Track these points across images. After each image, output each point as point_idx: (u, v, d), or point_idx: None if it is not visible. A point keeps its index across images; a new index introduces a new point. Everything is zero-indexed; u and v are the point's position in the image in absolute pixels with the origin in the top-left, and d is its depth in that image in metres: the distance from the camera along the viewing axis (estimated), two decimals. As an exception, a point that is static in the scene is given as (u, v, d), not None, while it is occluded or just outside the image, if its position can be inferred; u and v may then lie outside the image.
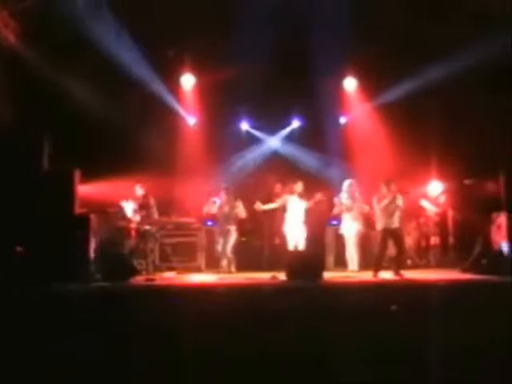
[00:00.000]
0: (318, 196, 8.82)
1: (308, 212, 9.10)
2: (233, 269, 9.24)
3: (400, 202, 8.00)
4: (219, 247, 9.24)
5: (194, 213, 10.00)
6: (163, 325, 4.87)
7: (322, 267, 7.43)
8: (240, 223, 9.50)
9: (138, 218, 8.78)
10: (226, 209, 9.16)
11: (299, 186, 8.90)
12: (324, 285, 6.93)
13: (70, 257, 6.87)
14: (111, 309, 5.30)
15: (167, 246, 9.64)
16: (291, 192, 8.90)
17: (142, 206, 8.91)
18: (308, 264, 7.24)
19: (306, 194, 9.09)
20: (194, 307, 5.45)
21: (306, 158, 11.16)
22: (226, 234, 9.11)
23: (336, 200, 9.20)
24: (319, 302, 5.61)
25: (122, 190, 8.95)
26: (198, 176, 10.34)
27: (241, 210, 9.17)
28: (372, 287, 6.86)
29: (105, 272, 7.12)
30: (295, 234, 8.82)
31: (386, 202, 7.84)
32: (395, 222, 7.93)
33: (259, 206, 9.12)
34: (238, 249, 9.60)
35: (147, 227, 9.01)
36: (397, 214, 7.92)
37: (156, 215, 9.04)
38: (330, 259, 9.84)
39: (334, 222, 9.79)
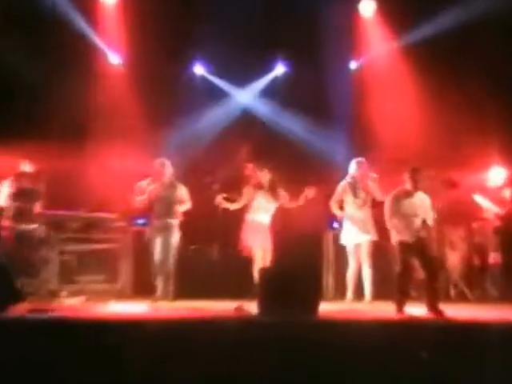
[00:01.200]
0: (309, 192, 8.49)
1: (295, 213, 8.98)
2: (170, 294, 8.74)
3: (426, 202, 7.74)
4: (156, 256, 8.65)
5: (116, 205, 9.73)
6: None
7: (315, 294, 7.19)
8: (187, 223, 9.00)
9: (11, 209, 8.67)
10: (167, 194, 8.65)
11: (266, 176, 8.62)
12: (319, 323, 6.61)
13: None
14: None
15: (71, 256, 9.24)
16: (259, 185, 8.60)
17: (25, 191, 8.66)
18: (293, 289, 6.99)
19: (290, 186, 8.83)
20: (110, 360, 5.42)
21: (293, 124, 11.02)
22: (165, 235, 8.60)
23: (339, 189, 8.91)
24: (312, 356, 5.39)
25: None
26: (126, 148, 10.23)
27: (184, 197, 8.75)
28: (393, 329, 6.52)
29: None
30: (262, 245, 8.51)
31: (403, 201, 7.58)
32: (419, 231, 7.70)
33: (222, 203, 8.66)
34: (185, 263, 9.20)
35: (31, 226, 8.69)
36: (421, 218, 7.67)
37: (38, 207, 8.81)
38: (329, 281, 9.69)
39: (336, 226, 9.49)
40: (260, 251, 8.55)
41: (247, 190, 8.60)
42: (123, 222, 9.82)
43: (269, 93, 11.54)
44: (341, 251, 9.23)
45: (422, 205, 7.82)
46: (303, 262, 8.89)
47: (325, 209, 9.34)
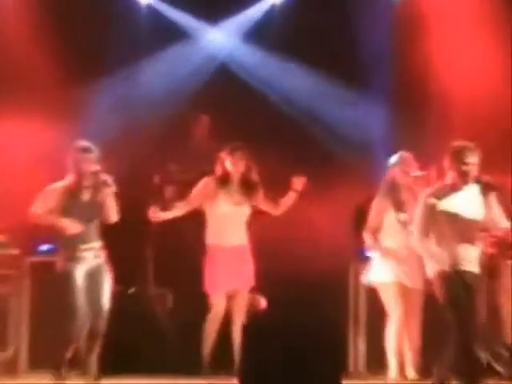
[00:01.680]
0: (297, 184, 7.91)
1: (302, 233, 8.99)
2: (93, 365, 7.63)
3: (495, 211, 7.01)
4: (78, 303, 7.50)
5: (4, 220, 8.55)
6: None
7: (336, 372, 6.09)
8: (120, 250, 8.06)
9: None
10: (83, 199, 7.71)
11: (238, 163, 7.93)
12: None
13: None
14: None
15: None
16: (223, 177, 7.94)
17: None
18: (298, 364, 6.17)
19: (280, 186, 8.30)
20: None
21: (295, 86, 10.03)
22: (90, 269, 7.52)
23: (375, 206, 8.03)
24: None
25: None
26: (24, 121, 9.14)
27: (109, 202, 7.76)
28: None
29: None
30: (228, 286, 7.97)
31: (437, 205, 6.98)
32: (470, 260, 7.01)
33: (157, 214, 7.95)
34: (118, 317, 7.90)
35: None
36: (477, 242, 6.95)
37: None
38: (359, 347, 8.54)
39: (370, 256, 8.34)
40: (222, 298, 7.89)
41: (204, 184, 8.03)
42: (15, 249, 8.48)
43: (257, 34, 10.34)
44: (377, 298, 8.07)
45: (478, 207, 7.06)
46: (314, 317, 6.94)
47: (351, 227, 8.69)
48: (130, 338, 8.35)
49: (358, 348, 8.48)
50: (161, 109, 9.91)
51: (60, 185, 7.56)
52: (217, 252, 7.86)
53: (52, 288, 7.65)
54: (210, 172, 8.14)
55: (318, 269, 8.59)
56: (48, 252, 8.30)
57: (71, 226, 7.45)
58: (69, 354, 7.39)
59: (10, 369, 8.09)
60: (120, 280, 8.16)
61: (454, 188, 6.81)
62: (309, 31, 9.83)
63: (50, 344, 7.59)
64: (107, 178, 7.55)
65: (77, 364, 7.51)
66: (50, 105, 9.38)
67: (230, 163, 7.80)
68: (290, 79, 10.15)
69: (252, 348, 6.28)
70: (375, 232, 7.97)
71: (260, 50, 10.32)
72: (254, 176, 7.96)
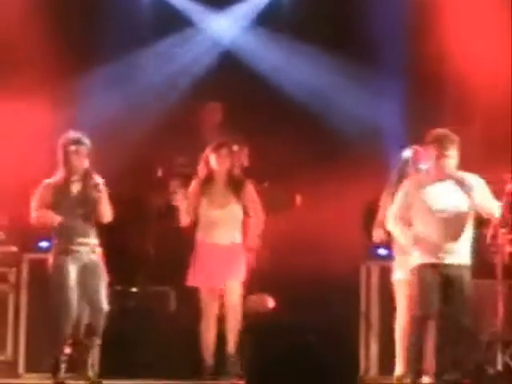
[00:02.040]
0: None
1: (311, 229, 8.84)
2: (92, 368, 7.49)
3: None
4: (73, 303, 7.37)
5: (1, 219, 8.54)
6: None
7: (348, 374, 7.12)
8: (116, 247, 8.27)
9: None
10: (77, 192, 7.64)
11: (225, 162, 7.83)
12: None
13: None
14: None
15: None
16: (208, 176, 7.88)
17: None
18: (307, 367, 6.94)
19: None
20: None
21: (304, 72, 9.80)
22: (84, 266, 7.49)
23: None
24: None
25: None
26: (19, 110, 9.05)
27: (103, 203, 7.65)
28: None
29: None
30: (212, 283, 7.94)
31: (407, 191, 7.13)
32: (450, 253, 6.97)
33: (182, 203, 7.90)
34: (118, 317, 7.96)
35: None
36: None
37: None
38: (372, 348, 8.27)
39: (382, 253, 8.20)
40: (208, 295, 7.89)
41: (192, 190, 8.04)
42: (14, 247, 8.35)
43: (264, 19, 10.09)
44: (391, 297, 7.74)
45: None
46: (324, 319, 8.19)
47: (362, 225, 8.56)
48: (130, 337, 8.24)
49: (370, 349, 8.27)
50: (165, 96, 9.74)
51: (51, 181, 7.46)
52: (203, 248, 7.76)
53: (48, 284, 7.55)
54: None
55: (331, 268, 8.52)
56: (47, 249, 7.89)
57: (54, 218, 7.33)
58: (65, 353, 7.30)
59: (6, 372, 8.01)
60: (122, 278, 8.35)
61: (433, 179, 6.81)
62: (318, 16, 9.65)
63: (47, 343, 7.55)
64: (98, 179, 7.44)
65: (75, 364, 7.39)
66: (49, 93, 9.15)
67: (216, 161, 7.67)
68: (298, 65, 9.94)
69: (261, 348, 6.98)
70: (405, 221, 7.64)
71: (266, 35, 10.16)
72: (239, 173, 7.90)
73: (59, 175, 7.46)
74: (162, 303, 8.90)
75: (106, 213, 7.57)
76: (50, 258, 7.51)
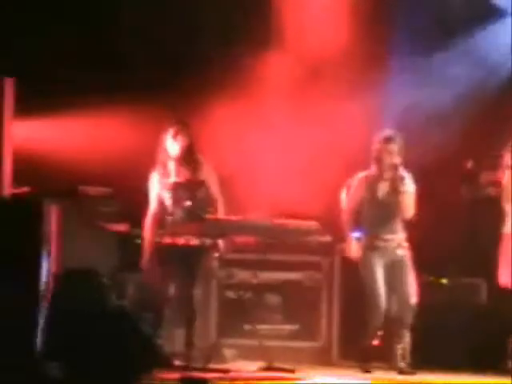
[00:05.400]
0: None
1: None
2: (405, 360, 7.47)
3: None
4: (380, 299, 7.47)
5: (309, 207, 8.06)
6: None
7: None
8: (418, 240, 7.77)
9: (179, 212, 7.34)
10: (386, 191, 7.62)
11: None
12: None
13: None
14: None
15: (241, 291, 7.98)
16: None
17: (188, 184, 7.30)
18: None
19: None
20: None
21: None
22: (389, 261, 7.40)
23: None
24: None
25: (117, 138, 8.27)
26: (325, 116, 8.61)
27: (407, 196, 7.49)
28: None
29: (73, 358, 5.75)
30: None
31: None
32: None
33: None
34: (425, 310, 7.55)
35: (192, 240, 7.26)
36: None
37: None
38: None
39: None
40: None
41: None
42: (327, 236, 7.80)
43: None
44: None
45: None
46: None
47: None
48: (439, 331, 7.74)
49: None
50: (466, 101, 8.85)
51: (363, 175, 7.40)
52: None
53: (358, 276, 7.58)
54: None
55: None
56: (358, 239, 7.65)
57: (353, 250, 7.44)
58: (375, 343, 7.32)
59: (321, 359, 7.83)
60: (431, 270, 8.03)
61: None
62: None
63: (358, 334, 7.53)
64: (405, 174, 7.29)
65: (385, 355, 7.30)
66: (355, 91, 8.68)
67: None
68: None
69: None
70: None
71: None
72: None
73: (370, 172, 7.36)
74: (473, 295, 8.31)
75: (408, 211, 7.34)
76: (357, 250, 7.48)
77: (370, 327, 7.36)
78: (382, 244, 7.36)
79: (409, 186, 7.34)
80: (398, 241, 7.37)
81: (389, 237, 7.36)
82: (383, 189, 7.41)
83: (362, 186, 7.47)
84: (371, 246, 7.39)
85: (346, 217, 7.55)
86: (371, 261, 7.38)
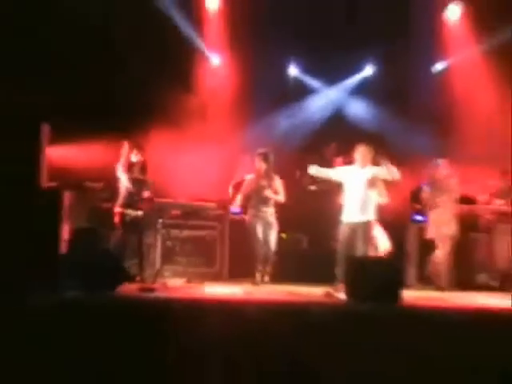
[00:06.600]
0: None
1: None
2: (266, 278, 9.09)
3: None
4: (260, 245, 8.99)
5: (211, 194, 9.85)
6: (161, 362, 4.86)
7: (399, 282, 7.17)
8: (279, 213, 9.30)
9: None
10: (264, 184, 8.95)
11: (359, 152, 8.44)
12: (404, 311, 6.59)
13: (31, 252, 6.64)
14: (86, 336, 5.11)
15: (173, 240, 9.54)
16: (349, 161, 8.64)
17: (139, 180, 8.75)
18: (377, 277, 6.98)
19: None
20: (208, 337, 5.27)
21: (380, 121, 11.15)
22: (264, 222, 8.91)
23: (425, 189, 9.26)
24: (400, 342, 5.29)
25: (104, 155, 9.05)
26: (221, 140, 10.47)
27: (279, 188, 8.94)
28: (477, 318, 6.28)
29: (82, 276, 6.92)
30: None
31: None
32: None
33: (313, 172, 8.51)
34: (278, 249, 9.44)
35: (139, 212, 8.80)
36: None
37: (146, 195, 8.84)
38: (412, 271, 9.70)
39: (418, 218, 9.60)
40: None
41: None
42: (221, 211, 9.92)
43: (359, 91, 11.59)
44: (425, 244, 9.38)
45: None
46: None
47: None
48: (286, 261, 9.51)
49: (411, 273, 9.61)
50: (305, 137, 11.02)
51: (251, 176, 8.90)
52: None
53: (238, 232, 9.40)
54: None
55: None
56: (237, 213, 9.70)
57: (247, 218, 8.92)
58: (258, 268, 8.84)
59: (216, 278, 9.51)
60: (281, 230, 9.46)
61: (257, 176, 8.40)
62: (385, 91, 10.85)
63: (238, 263, 9.35)
64: (273, 175, 8.82)
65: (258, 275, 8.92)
66: (228, 136, 10.41)
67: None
68: (378, 117, 11.08)
69: (351, 267, 7.30)
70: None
71: (360, 101, 11.51)
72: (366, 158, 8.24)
73: (255, 173, 8.88)
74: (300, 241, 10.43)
75: (280, 197, 8.87)
76: (247, 219, 9.05)
77: (256, 259, 8.90)
78: (261, 214, 8.88)
79: (277, 182, 8.89)
80: (269, 212, 8.90)
81: (264, 209, 8.89)
82: (262, 184, 8.94)
83: (251, 182, 8.98)
84: (255, 215, 8.92)
85: (242, 199, 8.98)
86: (255, 223, 8.89)
